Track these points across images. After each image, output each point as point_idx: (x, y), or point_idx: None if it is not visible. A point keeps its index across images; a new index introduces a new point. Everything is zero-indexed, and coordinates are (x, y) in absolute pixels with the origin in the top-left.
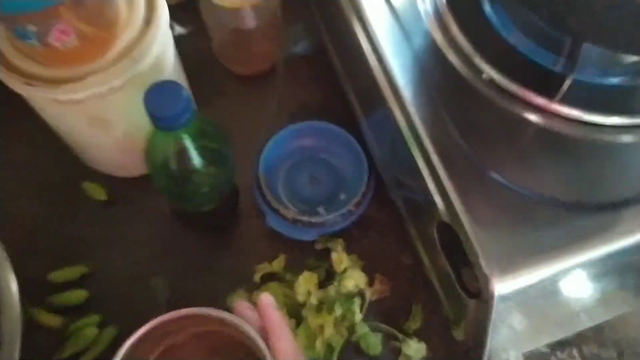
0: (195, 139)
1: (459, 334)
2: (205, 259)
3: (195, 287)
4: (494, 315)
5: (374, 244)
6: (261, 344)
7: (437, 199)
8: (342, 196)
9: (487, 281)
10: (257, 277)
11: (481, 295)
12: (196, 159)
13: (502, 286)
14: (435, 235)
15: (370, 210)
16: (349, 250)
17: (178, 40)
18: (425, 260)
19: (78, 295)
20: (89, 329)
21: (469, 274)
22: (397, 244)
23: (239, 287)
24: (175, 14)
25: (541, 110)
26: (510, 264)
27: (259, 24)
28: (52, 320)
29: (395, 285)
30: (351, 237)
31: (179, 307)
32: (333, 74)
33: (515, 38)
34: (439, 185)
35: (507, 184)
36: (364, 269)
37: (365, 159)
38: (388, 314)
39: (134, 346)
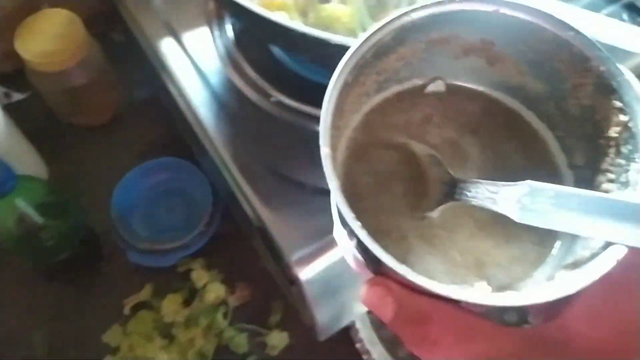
0: (28, 199)
1: (304, 318)
2: (77, 304)
3: (71, 333)
4: (309, 296)
5: (234, 255)
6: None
7: (247, 208)
8: (196, 220)
9: (293, 270)
10: (127, 310)
11: (296, 283)
12: (36, 216)
13: (306, 272)
14: (260, 239)
15: (225, 225)
16: (211, 265)
17: (18, 105)
18: (269, 262)
19: None
20: None
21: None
22: (253, 252)
23: (113, 323)
24: (13, 81)
25: (317, 119)
26: (309, 251)
27: (89, 79)
28: None
29: (257, 288)
30: (212, 253)
31: (61, 356)
32: None
33: (293, 64)
34: (245, 197)
35: (302, 184)
36: (227, 280)
37: (209, 184)
38: (253, 314)
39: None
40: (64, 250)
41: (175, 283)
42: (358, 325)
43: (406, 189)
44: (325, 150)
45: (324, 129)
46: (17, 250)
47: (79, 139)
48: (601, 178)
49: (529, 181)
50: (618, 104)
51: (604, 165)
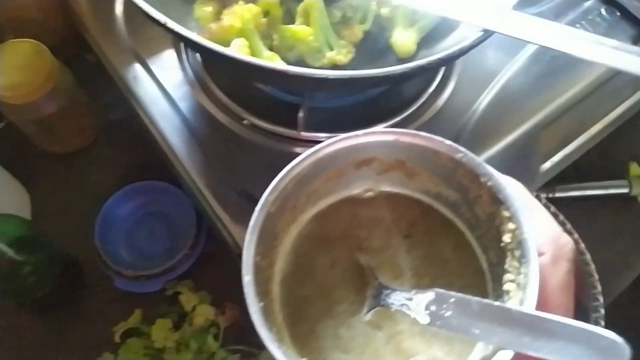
0: (3, 238)
1: None
2: (65, 336)
3: None
4: None
5: (220, 276)
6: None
7: (225, 235)
8: (180, 242)
9: None
10: (117, 337)
11: None
12: (14, 254)
13: None
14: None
15: (209, 246)
16: (198, 287)
17: None
18: None
19: None
20: None
21: None
22: (239, 270)
23: (104, 352)
24: None
25: (292, 140)
26: None
27: (61, 107)
28: None
29: (246, 307)
30: (199, 275)
31: None
32: None
33: (264, 86)
34: (222, 223)
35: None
36: (215, 301)
37: (191, 205)
38: (244, 334)
39: (313, 165)
40: (46, 284)
41: (164, 307)
42: None
43: (343, 294)
44: (246, 279)
45: (246, 259)
46: None
47: (59, 166)
48: (505, 277)
49: (435, 288)
50: (507, 213)
51: (506, 266)
